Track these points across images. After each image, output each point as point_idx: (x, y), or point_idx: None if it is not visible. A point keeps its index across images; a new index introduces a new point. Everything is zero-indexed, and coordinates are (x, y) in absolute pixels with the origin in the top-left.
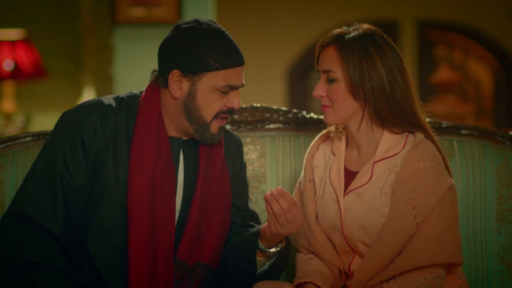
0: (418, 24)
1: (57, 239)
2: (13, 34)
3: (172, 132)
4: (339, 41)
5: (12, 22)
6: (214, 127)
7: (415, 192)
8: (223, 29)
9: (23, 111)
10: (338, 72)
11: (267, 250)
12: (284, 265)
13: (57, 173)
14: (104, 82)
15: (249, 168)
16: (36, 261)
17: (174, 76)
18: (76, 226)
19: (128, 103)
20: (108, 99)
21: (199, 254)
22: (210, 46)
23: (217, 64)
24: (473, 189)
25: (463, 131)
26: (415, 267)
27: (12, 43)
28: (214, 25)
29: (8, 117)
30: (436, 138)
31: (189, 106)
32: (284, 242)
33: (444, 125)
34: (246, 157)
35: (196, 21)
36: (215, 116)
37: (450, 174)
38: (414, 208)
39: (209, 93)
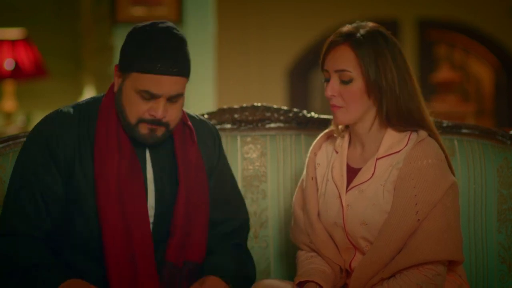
0: (418, 23)
1: (49, 247)
2: (13, 33)
3: None
4: (352, 40)
5: (12, 21)
6: (142, 128)
7: (418, 189)
8: (171, 36)
9: (24, 110)
10: (354, 72)
11: None
12: None
13: (36, 188)
14: (104, 81)
15: (249, 167)
16: (36, 263)
17: (116, 70)
18: (58, 237)
19: (89, 109)
20: (67, 108)
21: (187, 253)
22: (138, 47)
23: (138, 66)
24: (474, 188)
25: (464, 131)
26: (416, 264)
27: (13, 43)
28: (161, 31)
29: (8, 116)
30: (439, 136)
31: (118, 103)
32: None
33: (445, 125)
34: (246, 156)
35: (152, 23)
36: (139, 121)
37: (452, 173)
38: (416, 204)
39: (132, 93)
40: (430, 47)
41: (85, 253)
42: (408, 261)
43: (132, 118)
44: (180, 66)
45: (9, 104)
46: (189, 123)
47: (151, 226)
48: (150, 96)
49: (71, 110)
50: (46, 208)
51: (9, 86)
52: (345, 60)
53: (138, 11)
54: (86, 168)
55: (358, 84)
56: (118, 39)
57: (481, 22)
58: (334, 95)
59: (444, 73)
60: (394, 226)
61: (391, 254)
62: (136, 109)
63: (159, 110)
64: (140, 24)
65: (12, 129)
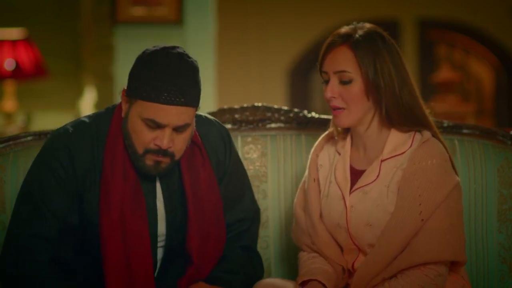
0: (418, 23)
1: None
2: (14, 33)
3: None
4: (351, 41)
5: (12, 21)
6: (149, 159)
7: (422, 189)
8: (180, 63)
9: (24, 110)
10: (354, 72)
11: None
12: None
13: (48, 214)
14: (104, 81)
15: (250, 167)
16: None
17: (123, 94)
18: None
19: (97, 128)
20: (74, 129)
21: (200, 274)
22: (146, 74)
23: (144, 94)
24: (474, 188)
25: (465, 131)
26: (418, 264)
27: (13, 43)
28: (170, 58)
29: (9, 116)
30: (441, 136)
31: (124, 129)
32: None
33: (445, 125)
34: (247, 156)
35: (162, 48)
36: (146, 151)
37: (456, 172)
38: (420, 204)
39: (137, 121)
40: (431, 47)
41: (93, 279)
42: (410, 261)
43: (139, 147)
44: (188, 96)
45: (10, 104)
46: (199, 139)
47: (161, 250)
48: (156, 125)
49: (78, 131)
50: (62, 237)
51: (10, 86)
52: (344, 61)
53: (138, 11)
54: (94, 197)
55: (358, 85)
56: (118, 39)
57: (481, 22)
58: (334, 96)
59: (444, 73)
60: (397, 226)
61: (393, 254)
62: (142, 136)
63: (165, 140)
64: (151, 49)
65: (13, 129)
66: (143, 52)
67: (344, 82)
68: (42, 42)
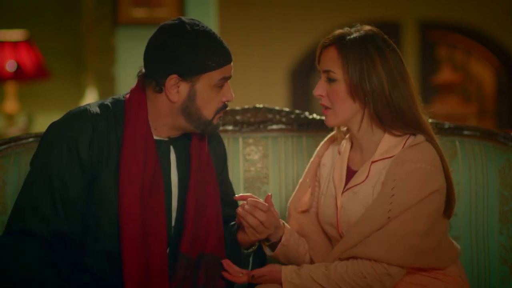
0: (420, 24)
1: (60, 252)
2: (15, 34)
3: (162, 133)
4: (339, 42)
5: (14, 22)
6: (215, 119)
7: (396, 189)
8: (209, 27)
9: (25, 111)
10: (338, 73)
11: (245, 252)
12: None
13: (55, 188)
14: (106, 82)
15: (251, 169)
16: (33, 276)
17: (172, 80)
18: (74, 239)
19: (114, 111)
20: (94, 108)
21: (201, 245)
22: (205, 47)
23: (214, 64)
24: (476, 190)
25: (466, 132)
26: (369, 258)
27: (14, 44)
28: (201, 24)
29: (10, 117)
30: (438, 140)
31: (189, 108)
32: (256, 244)
33: (446, 126)
34: (248, 157)
35: (181, 22)
36: (215, 113)
37: (448, 178)
38: (390, 203)
39: (208, 91)
40: (432, 48)
41: (104, 254)
42: (362, 252)
43: (210, 115)
44: (229, 48)
45: (11, 105)
46: None
47: (172, 230)
48: (224, 81)
49: (99, 110)
50: (63, 209)
51: (11, 88)
52: (330, 61)
53: (139, 12)
54: (112, 173)
55: (341, 85)
56: (120, 41)
57: (482, 23)
58: (321, 95)
59: (445, 74)
60: (366, 219)
61: (355, 243)
62: (213, 104)
63: (231, 91)
64: (174, 28)
65: (14, 131)
66: (173, 35)
67: (330, 81)
68: (43, 43)
